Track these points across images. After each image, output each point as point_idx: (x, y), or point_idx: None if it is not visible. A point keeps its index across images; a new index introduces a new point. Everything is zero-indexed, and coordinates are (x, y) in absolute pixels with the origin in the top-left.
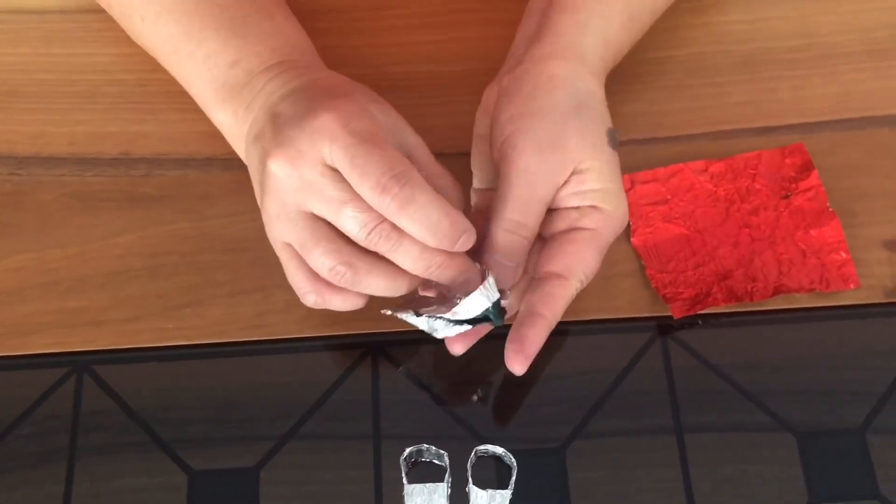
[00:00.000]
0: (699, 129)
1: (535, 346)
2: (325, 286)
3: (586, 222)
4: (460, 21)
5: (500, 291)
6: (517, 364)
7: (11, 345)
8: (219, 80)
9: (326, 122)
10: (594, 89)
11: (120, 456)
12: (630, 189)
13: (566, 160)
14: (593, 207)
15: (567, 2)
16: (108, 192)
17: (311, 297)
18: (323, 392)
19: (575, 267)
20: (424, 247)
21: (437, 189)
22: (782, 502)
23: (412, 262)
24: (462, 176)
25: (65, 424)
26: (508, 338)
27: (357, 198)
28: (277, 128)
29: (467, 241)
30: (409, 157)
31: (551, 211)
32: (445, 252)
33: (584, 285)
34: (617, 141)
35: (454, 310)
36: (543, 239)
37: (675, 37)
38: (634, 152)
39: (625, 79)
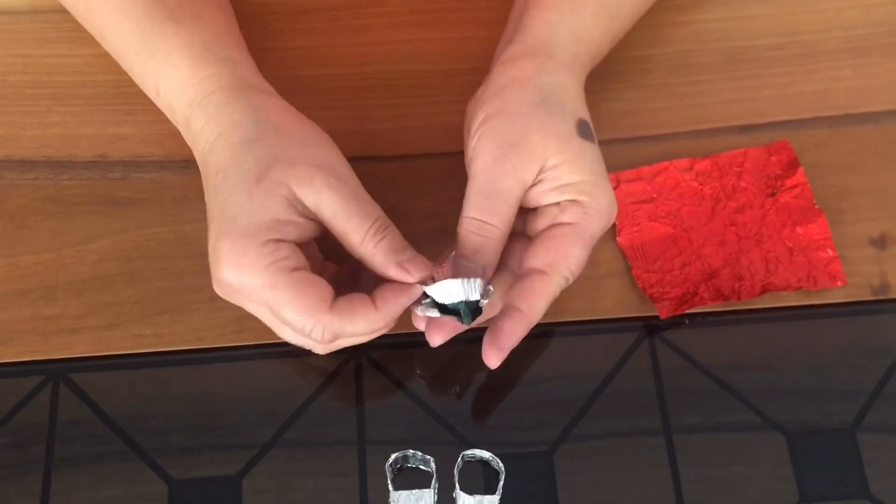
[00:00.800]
0: (682, 127)
1: (510, 339)
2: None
3: (567, 217)
4: (440, 20)
5: (485, 292)
6: (492, 357)
7: None
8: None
9: (228, 270)
10: (562, 81)
11: (98, 466)
12: (615, 188)
13: (529, 156)
14: (573, 202)
15: (539, 1)
16: (84, 196)
17: (318, 347)
18: (306, 398)
19: (557, 262)
20: (372, 320)
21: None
22: (772, 502)
23: (364, 333)
24: (446, 176)
25: (41, 434)
26: (486, 332)
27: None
28: (212, 226)
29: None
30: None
31: (533, 210)
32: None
33: (570, 281)
34: (589, 131)
35: (431, 286)
36: (530, 238)
37: (658, 35)
38: (617, 151)
39: (607, 77)
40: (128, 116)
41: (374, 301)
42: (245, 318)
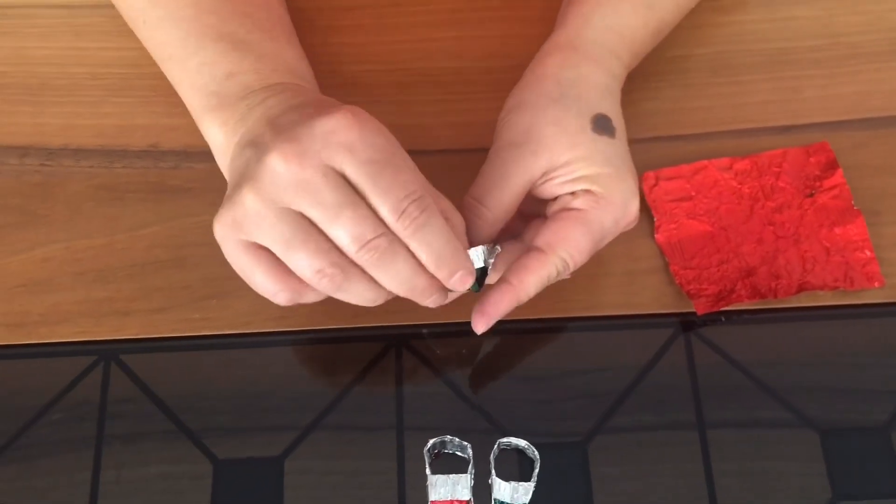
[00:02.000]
0: (722, 127)
1: (495, 308)
2: (298, 282)
3: (577, 203)
4: (483, 18)
5: (490, 252)
6: (477, 322)
7: (40, 333)
8: (210, 88)
9: (341, 126)
10: (584, 74)
11: (146, 444)
12: (654, 185)
13: (538, 149)
14: (586, 191)
15: None
16: (137, 184)
17: (283, 294)
18: (347, 383)
19: (556, 244)
20: (415, 271)
21: (442, 213)
22: (805, 499)
23: (398, 283)
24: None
25: (92, 412)
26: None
27: (355, 207)
28: (281, 128)
29: (461, 280)
30: None
31: (548, 200)
32: (434, 282)
33: (569, 265)
34: (608, 125)
35: None
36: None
37: (698, 35)
38: (657, 149)
39: (647, 76)
40: (180, 108)
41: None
42: (290, 306)
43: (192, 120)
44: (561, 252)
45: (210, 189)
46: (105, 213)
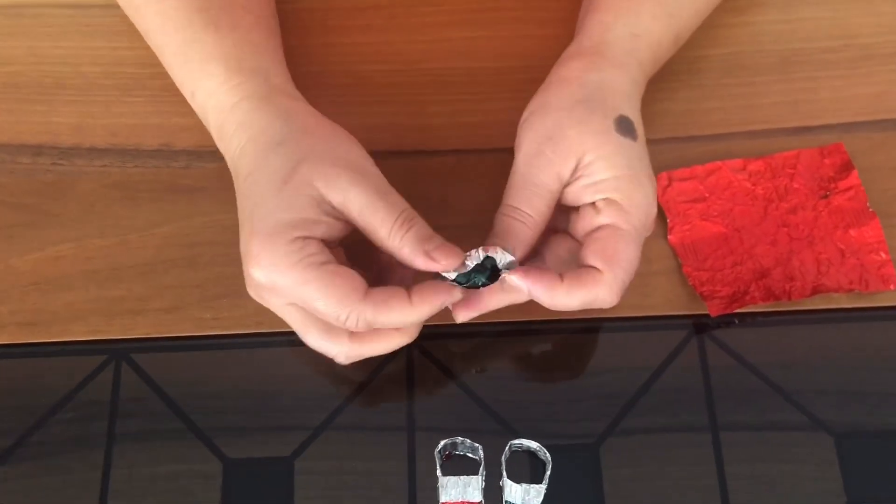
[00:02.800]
0: (736, 128)
1: (486, 304)
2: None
3: (602, 219)
4: (496, 19)
5: (508, 264)
6: (459, 312)
7: (52, 332)
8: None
9: (257, 276)
10: (609, 78)
11: (157, 443)
12: (668, 186)
13: (565, 150)
14: (608, 200)
15: (598, 3)
16: (149, 183)
17: (342, 355)
18: (359, 384)
19: (615, 262)
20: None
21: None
22: (818, 502)
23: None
24: (498, 171)
25: (103, 411)
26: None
27: (314, 323)
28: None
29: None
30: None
31: (573, 210)
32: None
33: (624, 285)
34: (630, 128)
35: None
36: (570, 236)
37: (713, 35)
38: (670, 150)
39: (661, 77)
40: (192, 108)
41: (410, 296)
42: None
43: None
44: (618, 270)
45: (221, 189)
46: (117, 213)
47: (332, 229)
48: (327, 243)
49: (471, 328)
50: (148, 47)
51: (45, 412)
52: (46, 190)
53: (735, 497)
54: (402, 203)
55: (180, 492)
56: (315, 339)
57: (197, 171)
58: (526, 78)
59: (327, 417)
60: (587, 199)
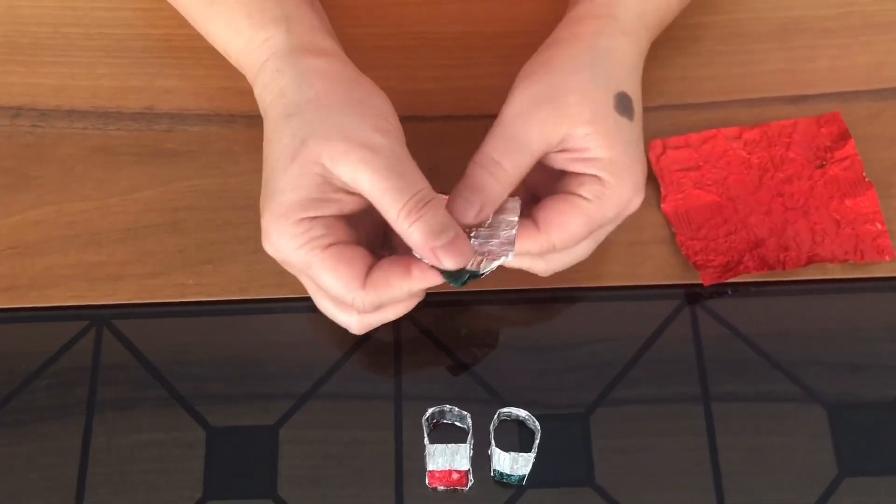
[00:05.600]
0: (732, 96)
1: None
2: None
3: (583, 191)
4: None
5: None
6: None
7: (32, 297)
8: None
9: (268, 246)
10: (618, 47)
11: (138, 410)
12: (662, 154)
13: (561, 115)
14: (595, 177)
15: None
16: (131, 147)
17: (354, 326)
18: (344, 351)
19: (553, 226)
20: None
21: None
22: (810, 474)
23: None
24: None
25: (83, 377)
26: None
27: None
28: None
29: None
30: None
31: (556, 174)
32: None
33: (555, 249)
34: (629, 106)
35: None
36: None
37: (709, 3)
38: (665, 118)
39: (657, 43)
40: (175, 70)
41: (410, 269)
42: (287, 272)
43: (187, 83)
44: (553, 236)
45: (205, 153)
46: (98, 176)
47: (347, 204)
48: (345, 215)
49: (459, 296)
50: (130, 9)
51: (25, 378)
52: (26, 153)
53: (726, 468)
54: (415, 184)
55: (162, 460)
56: (328, 309)
57: (180, 135)
58: (519, 43)
59: (312, 386)
60: (575, 169)
